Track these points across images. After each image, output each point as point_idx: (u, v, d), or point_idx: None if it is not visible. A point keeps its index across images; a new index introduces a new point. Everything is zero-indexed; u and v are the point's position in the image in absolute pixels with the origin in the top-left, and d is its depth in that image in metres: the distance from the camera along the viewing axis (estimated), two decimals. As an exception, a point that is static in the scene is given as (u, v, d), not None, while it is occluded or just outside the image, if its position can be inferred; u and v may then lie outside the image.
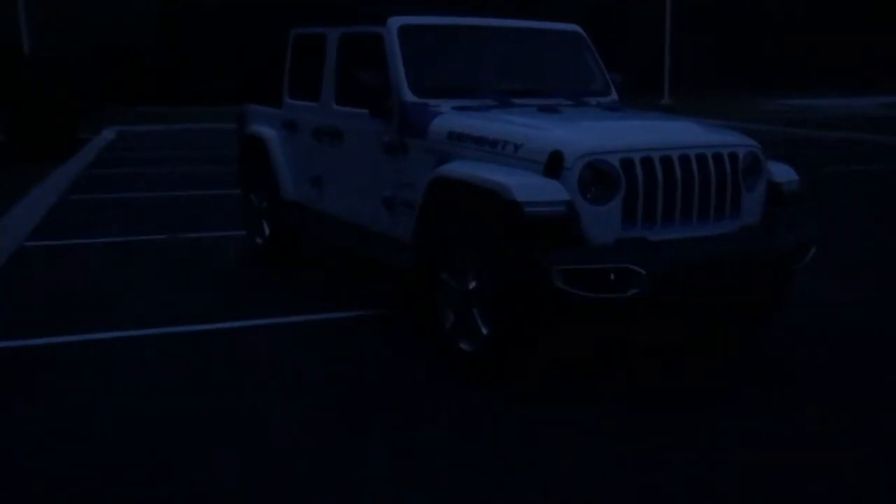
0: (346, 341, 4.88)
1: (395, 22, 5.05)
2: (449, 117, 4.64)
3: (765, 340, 4.86)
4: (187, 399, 4.03)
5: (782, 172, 4.61)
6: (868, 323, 5.19)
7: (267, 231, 6.58)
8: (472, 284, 4.14)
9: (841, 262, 6.71)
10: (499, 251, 3.92)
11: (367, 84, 4.90)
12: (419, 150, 4.73)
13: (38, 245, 7.54)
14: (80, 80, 23.05)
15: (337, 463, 3.37)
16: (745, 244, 4.21)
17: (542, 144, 4.02)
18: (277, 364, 4.51)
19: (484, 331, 4.07)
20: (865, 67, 43.78)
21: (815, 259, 4.47)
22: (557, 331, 4.22)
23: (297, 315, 5.34)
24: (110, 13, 35.48)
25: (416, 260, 4.61)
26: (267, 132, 6.43)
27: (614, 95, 5.62)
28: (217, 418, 3.80)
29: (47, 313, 5.43)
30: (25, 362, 4.55)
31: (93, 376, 4.32)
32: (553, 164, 3.92)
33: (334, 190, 5.67)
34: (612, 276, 3.76)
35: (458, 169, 4.23)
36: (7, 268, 6.64)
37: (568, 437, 3.60)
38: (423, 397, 4.05)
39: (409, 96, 4.86)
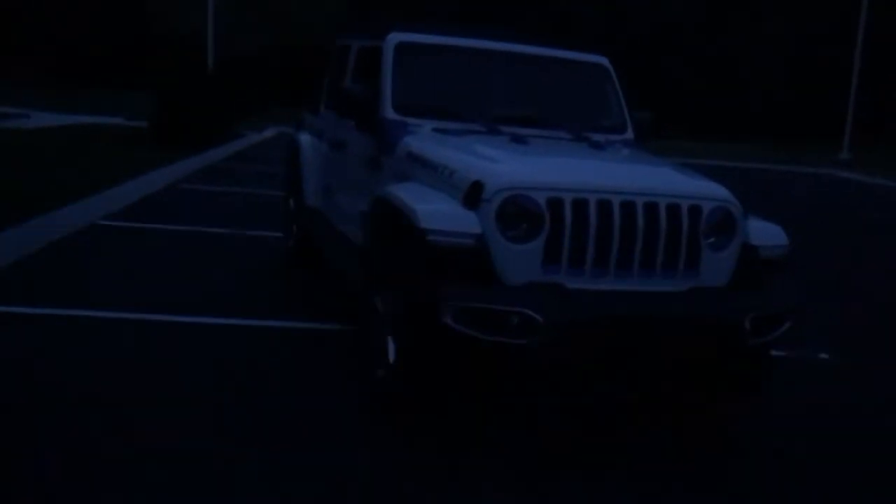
0: (294, 351, 4.83)
1: (394, 38, 4.97)
2: (415, 138, 4.50)
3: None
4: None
5: (766, 235, 4.12)
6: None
7: (296, 234, 6.66)
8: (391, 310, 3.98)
9: None
10: (402, 279, 3.74)
11: (352, 96, 4.86)
12: (388, 167, 4.62)
13: (109, 224, 8.00)
14: (256, 79, 24.51)
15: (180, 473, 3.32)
16: (687, 307, 3.79)
17: (468, 173, 3.81)
18: (194, 364, 4.48)
19: (391, 358, 3.90)
20: None
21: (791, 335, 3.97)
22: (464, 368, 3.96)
23: (278, 320, 5.35)
24: (307, 14, 37.11)
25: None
26: (303, 139, 6.52)
27: (630, 134, 5.25)
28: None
29: (60, 287, 5.74)
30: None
31: (47, 348, 4.51)
32: (472, 195, 3.70)
33: (335, 200, 5.66)
34: (513, 320, 3.49)
35: (393, 190, 4.08)
36: (63, 242, 7.09)
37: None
38: (319, 422, 3.93)
39: (390, 112, 4.76)
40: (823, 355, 5.65)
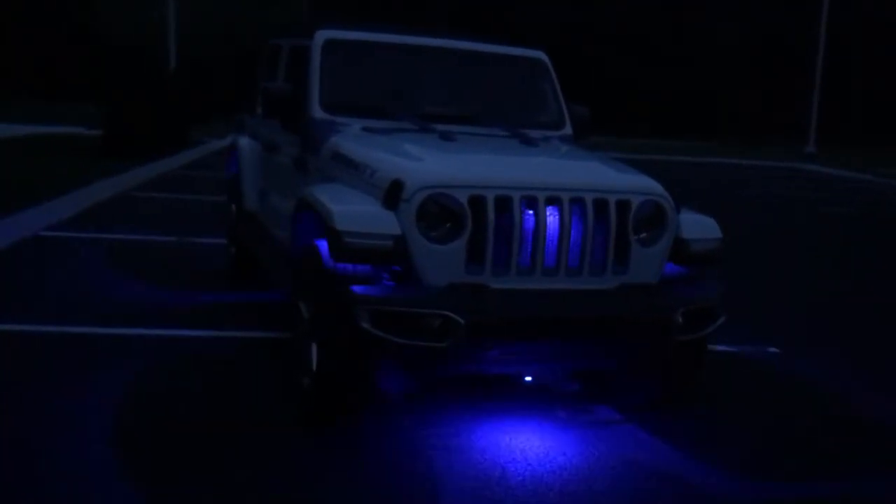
0: (224, 362, 4.68)
1: (322, 35, 4.83)
2: (341, 137, 4.36)
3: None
4: None
5: (699, 228, 4.02)
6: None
7: (237, 240, 6.49)
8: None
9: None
10: (321, 282, 3.61)
11: (277, 95, 4.71)
12: (314, 168, 4.48)
13: (53, 235, 7.80)
14: (219, 86, 24.30)
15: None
16: (615, 305, 3.68)
17: (389, 172, 3.68)
18: (102, 375, 4.33)
19: (313, 366, 3.76)
20: None
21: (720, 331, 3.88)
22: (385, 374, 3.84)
23: (206, 330, 5.19)
24: (273, 17, 36.82)
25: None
26: (242, 142, 6.35)
27: (568, 130, 5.14)
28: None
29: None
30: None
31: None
32: (392, 194, 3.58)
33: (269, 203, 5.51)
34: (433, 323, 3.37)
35: (313, 191, 3.94)
36: (3, 254, 6.89)
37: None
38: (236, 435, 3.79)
39: (318, 111, 4.62)
40: (773, 349, 5.57)
